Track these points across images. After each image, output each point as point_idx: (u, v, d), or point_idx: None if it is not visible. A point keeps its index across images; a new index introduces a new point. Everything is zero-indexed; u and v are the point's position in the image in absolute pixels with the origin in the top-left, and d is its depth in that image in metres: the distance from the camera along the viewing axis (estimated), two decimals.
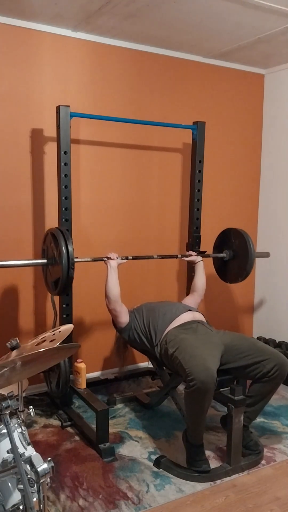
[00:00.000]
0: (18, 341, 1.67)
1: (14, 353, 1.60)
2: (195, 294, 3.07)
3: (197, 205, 3.28)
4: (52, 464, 1.46)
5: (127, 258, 2.81)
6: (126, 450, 2.55)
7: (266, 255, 3.33)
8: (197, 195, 3.27)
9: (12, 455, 1.45)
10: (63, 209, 2.76)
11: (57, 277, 2.53)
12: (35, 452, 1.50)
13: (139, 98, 3.32)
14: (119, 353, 3.00)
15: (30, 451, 1.60)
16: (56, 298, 2.84)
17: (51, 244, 2.61)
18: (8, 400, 1.44)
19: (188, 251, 3.21)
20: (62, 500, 2.12)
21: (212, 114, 3.60)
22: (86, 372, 2.86)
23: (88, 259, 2.72)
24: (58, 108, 2.68)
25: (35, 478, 1.43)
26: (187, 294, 3.25)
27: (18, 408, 1.78)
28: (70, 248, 2.47)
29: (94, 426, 2.57)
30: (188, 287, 3.32)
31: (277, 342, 3.69)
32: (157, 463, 2.40)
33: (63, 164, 2.72)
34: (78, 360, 2.85)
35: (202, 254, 3.20)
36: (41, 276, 3.10)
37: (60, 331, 1.71)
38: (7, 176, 2.93)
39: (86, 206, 3.22)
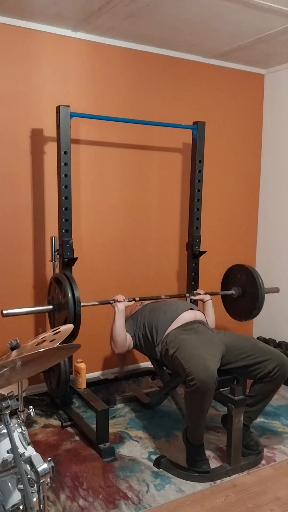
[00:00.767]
0: (18, 341, 1.67)
1: (14, 353, 1.60)
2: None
3: (197, 205, 3.28)
4: (52, 464, 1.46)
5: (134, 299, 2.79)
6: (126, 450, 2.55)
7: (276, 290, 3.27)
8: (197, 195, 3.27)
9: (12, 455, 1.45)
10: (63, 209, 2.76)
11: (64, 319, 2.51)
12: (35, 452, 1.50)
13: (139, 98, 3.32)
14: (119, 354, 2.99)
15: (30, 451, 1.60)
16: None
17: (55, 290, 2.60)
18: (8, 400, 1.44)
19: (196, 290, 3.16)
20: (62, 500, 2.12)
21: (212, 114, 3.60)
22: (86, 372, 2.86)
23: (95, 303, 2.70)
24: (58, 108, 2.68)
25: (35, 478, 1.43)
26: (187, 292, 3.25)
27: (18, 408, 1.78)
28: (76, 294, 2.44)
29: (94, 426, 2.57)
30: (188, 286, 3.33)
31: (277, 342, 3.69)
32: (157, 463, 2.39)
33: (63, 164, 2.72)
34: (78, 360, 2.85)
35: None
36: (41, 276, 3.10)
37: (60, 331, 1.71)
38: (7, 176, 2.93)
39: (86, 206, 3.22)
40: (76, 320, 2.43)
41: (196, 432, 2.32)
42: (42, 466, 1.44)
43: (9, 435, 1.43)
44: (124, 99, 3.26)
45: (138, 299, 2.82)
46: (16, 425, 1.70)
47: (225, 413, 2.50)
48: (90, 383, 3.01)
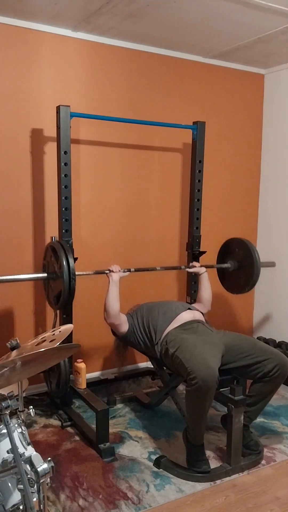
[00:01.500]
0: (18, 341, 1.67)
1: (14, 353, 1.60)
2: (201, 306, 3.02)
3: (197, 205, 3.28)
4: (52, 464, 1.46)
5: (129, 270, 2.77)
6: (126, 450, 2.55)
7: (272, 264, 3.28)
8: (197, 195, 3.27)
9: (12, 455, 1.45)
10: (63, 209, 2.76)
11: (59, 291, 2.52)
12: (35, 452, 1.50)
13: (139, 98, 3.32)
14: (119, 353, 3.00)
15: (30, 451, 1.60)
16: None
17: (51, 258, 2.60)
18: (8, 400, 1.44)
19: (192, 262, 3.17)
20: (62, 500, 2.12)
21: (212, 114, 3.60)
22: (86, 372, 2.86)
23: (90, 273, 2.69)
24: (58, 108, 2.68)
25: (35, 478, 1.43)
26: (187, 294, 3.25)
27: (18, 408, 1.78)
28: (71, 262, 2.45)
29: (94, 426, 2.57)
30: (188, 287, 3.33)
31: (277, 342, 3.69)
32: (157, 463, 2.39)
33: (63, 164, 2.72)
34: (78, 360, 2.85)
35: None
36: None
37: (60, 331, 1.71)
38: (7, 176, 2.93)
39: (86, 206, 3.22)
40: (71, 289, 2.44)
41: (196, 432, 2.32)
42: (42, 466, 1.44)
43: (9, 435, 1.43)
44: (124, 99, 3.26)
45: (133, 270, 2.81)
46: (16, 425, 1.70)
47: (225, 413, 2.50)
48: (90, 383, 3.01)
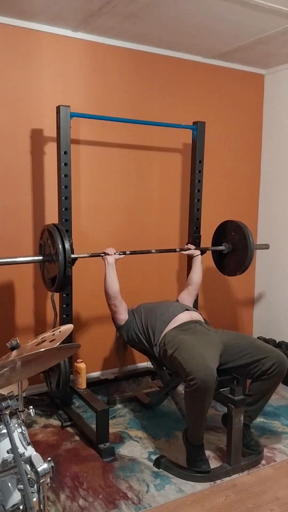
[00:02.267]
0: (18, 341, 1.67)
1: (14, 353, 1.60)
2: (190, 288, 3.07)
3: (197, 205, 3.28)
4: (52, 464, 1.46)
5: (124, 253, 2.79)
6: (126, 450, 2.55)
7: (266, 247, 3.31)
8: (197, 195, 3.27)
9: (12, 455, 1.45)
10: (63, 209, 2.76)
11: (54, 274, 2.53)
12: (35, 452, 1.50)
13: (139, 98, 3.32)
14: (119, 353, 3.00)
15: (30, 451, 1.60)
16: (56, 298, 2.85)
17: (47, 240, 2.60)
18: (8, 400, 1.44)
19: (187, 245, 3.19)
20: (62, 500, 2.12)
21: (212, 114, 3.61)
22: (86, 372, 2.86)
23: (85, 255, 2.72)
24: (58, 108, 2.68)
25: (35, 478, 1.43)
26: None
27: (18, 408, 1.78)
28: (66, 245, 2.46)
29: (94, 426, 2.57)
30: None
31: (277, 342, 3.68)
32: (157, 463, 2.40)
33: (63, 164, 2.72)
34: (78, 360, 2.85)
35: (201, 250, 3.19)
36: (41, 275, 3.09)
37: (60, 331, 1.71)
38: (7, 176, 2.93)
39: (86, 206, 3.22)
40: (66, 272, 2.46)
41: (196, 432, 2.32)
42: (42, 466, 1.44)
43: (9, 435, 1.43)
44: (124, 99, 3.26)
45: (128, 252, 2.83)
46: (16, 425, 1.70)
47: (225, 413, 2.51)
48: (90, 383, 3.01)
